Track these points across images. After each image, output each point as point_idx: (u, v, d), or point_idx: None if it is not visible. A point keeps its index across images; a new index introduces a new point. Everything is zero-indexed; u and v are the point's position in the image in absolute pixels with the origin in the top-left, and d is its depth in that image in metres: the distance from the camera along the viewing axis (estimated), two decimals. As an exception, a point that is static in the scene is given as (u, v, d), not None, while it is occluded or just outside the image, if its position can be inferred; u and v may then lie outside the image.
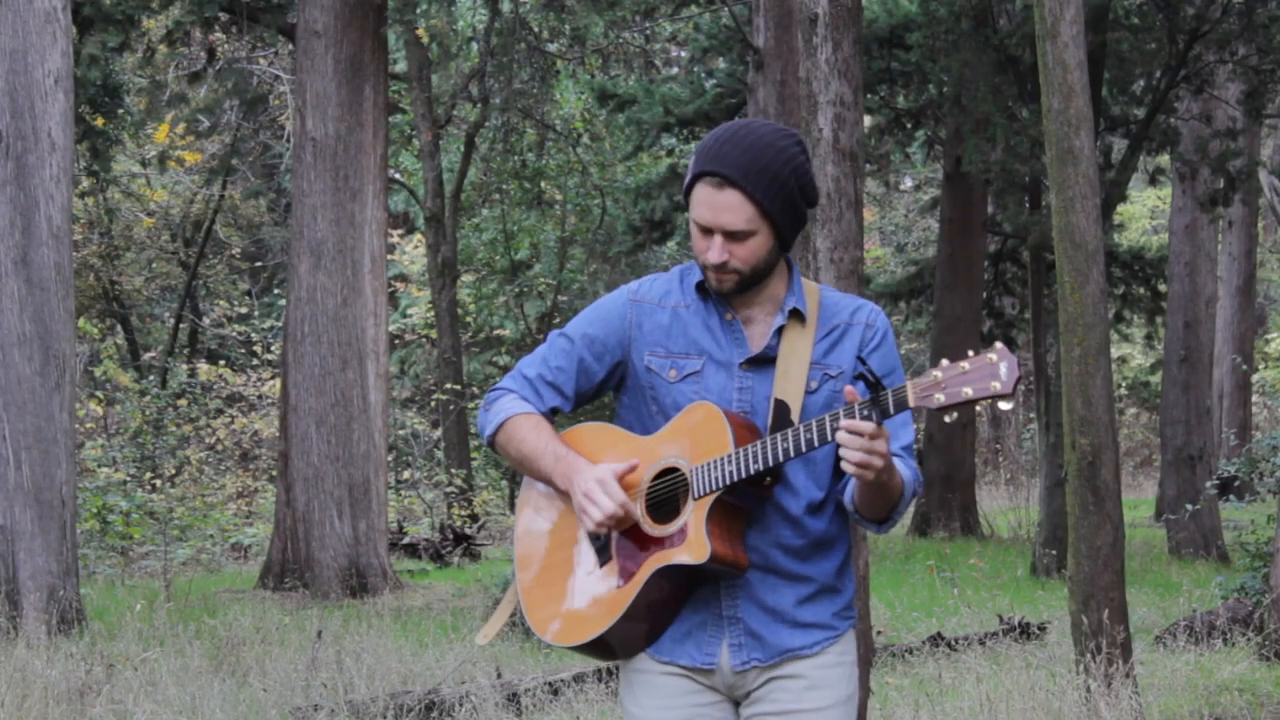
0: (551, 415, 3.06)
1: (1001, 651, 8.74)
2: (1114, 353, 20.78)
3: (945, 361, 2.66)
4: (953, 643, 8.97)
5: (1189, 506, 12.40)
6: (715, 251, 2.88)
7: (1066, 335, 6.72)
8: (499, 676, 7.70)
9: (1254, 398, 24.28)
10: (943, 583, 12.48)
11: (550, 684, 7.52)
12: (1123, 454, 29.98)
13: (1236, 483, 15.64)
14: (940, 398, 2.63)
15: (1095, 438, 6.65)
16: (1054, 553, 13.47)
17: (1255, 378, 25.11)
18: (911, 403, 2.66)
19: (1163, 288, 18.57)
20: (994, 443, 29.91)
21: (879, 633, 9.60)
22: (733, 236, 2.88)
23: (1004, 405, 2.61)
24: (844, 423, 2.69)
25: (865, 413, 2.68)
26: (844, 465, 2.70)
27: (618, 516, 2.85)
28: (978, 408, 2.80)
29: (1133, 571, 11.80)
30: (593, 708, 7.23)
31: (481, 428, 3.08)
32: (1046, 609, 10.94)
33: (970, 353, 2.65)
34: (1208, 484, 12.90)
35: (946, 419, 2.70)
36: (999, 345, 2.62)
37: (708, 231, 2.89)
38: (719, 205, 2.86)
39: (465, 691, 7.23)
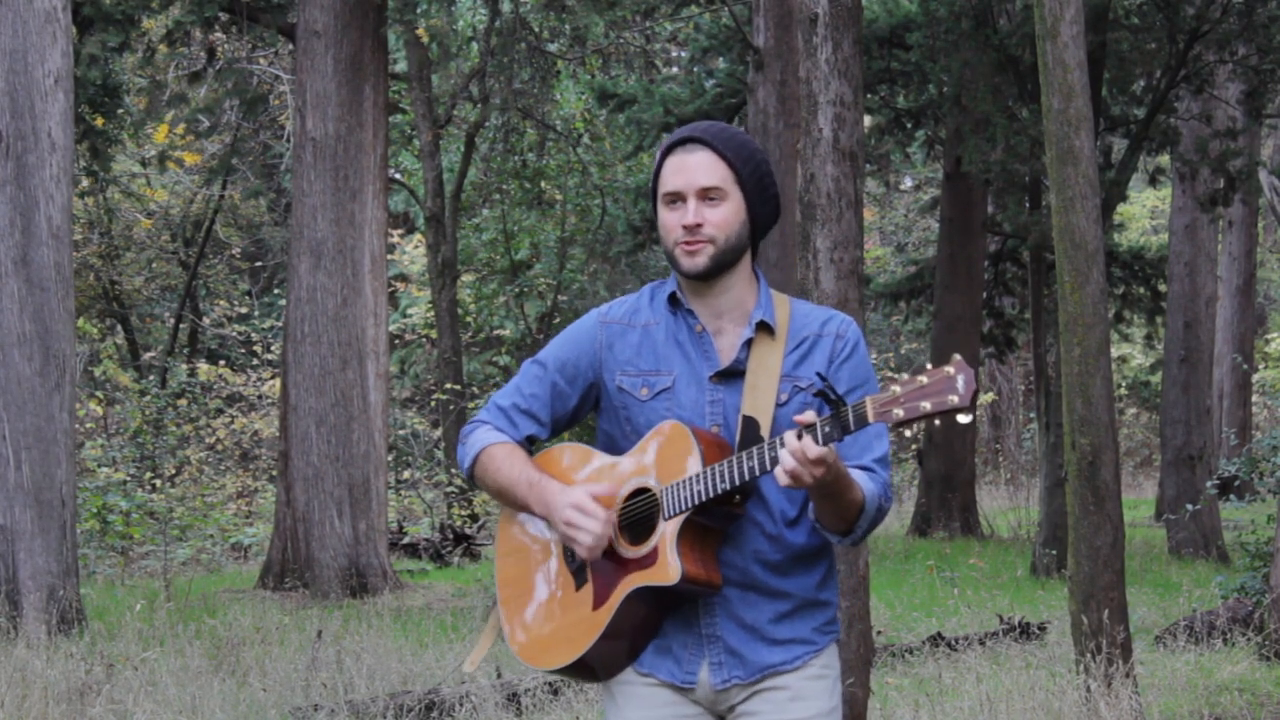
0: (529, 444, 3.04)
1: (1001, 651, 8.75)
2: (1114, 353, 20.77)
3: (905, 375, 2.65)
4: (953, 643, 8.97)
5: (1189, 506, 12.40)
6: (691, 213, 2.89)
7: (1066, 335, 6.72)
8: (499, 676, 7.70)
9: (1254, 398, 24.28)
10: (943, 583, 12.48)
11: (550, 684, 7.52)
12: (1123, 454, 29.98)
13: (1236, 483, 15.61)
14: (899, 413, 2.62)
15: (1095, 438, 6.65)
16: (1054, 553, 13.47)
17: (1255, 378, 25.10)
18: (871, 418, 2.64)
19: (1163, 288, 18.57)
20: (994, 443, 29.91)
21: (879, 633, 9.59)
22: (706, 197, 2.89)
23: (962, 419, 2.59)
24: (787, 436, 2.68)
25: (826, 429, 2.66)
26: (776, 473, 2.69)
27: (606, 536, 2.85)
28: (937, 421, 2.76)
29: (1133, 571, 11.80)
30: (592, 708, 7.23)
31: (460, 462, 3.07)
32: (1046, 609, 10.94)
33: (928, 365, 2.64)
34: (1208, 484, 12.89)
35: (907, 433, 2.70)
36: (956, 358, 2.61)
37: (678, 200, 2.91)
38: (690, 165, 2.91)
39: (465, 691, 7.23)
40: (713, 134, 2.93)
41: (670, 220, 2.92)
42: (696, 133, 2.93)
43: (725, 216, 2.90)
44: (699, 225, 2.89)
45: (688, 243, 2.89)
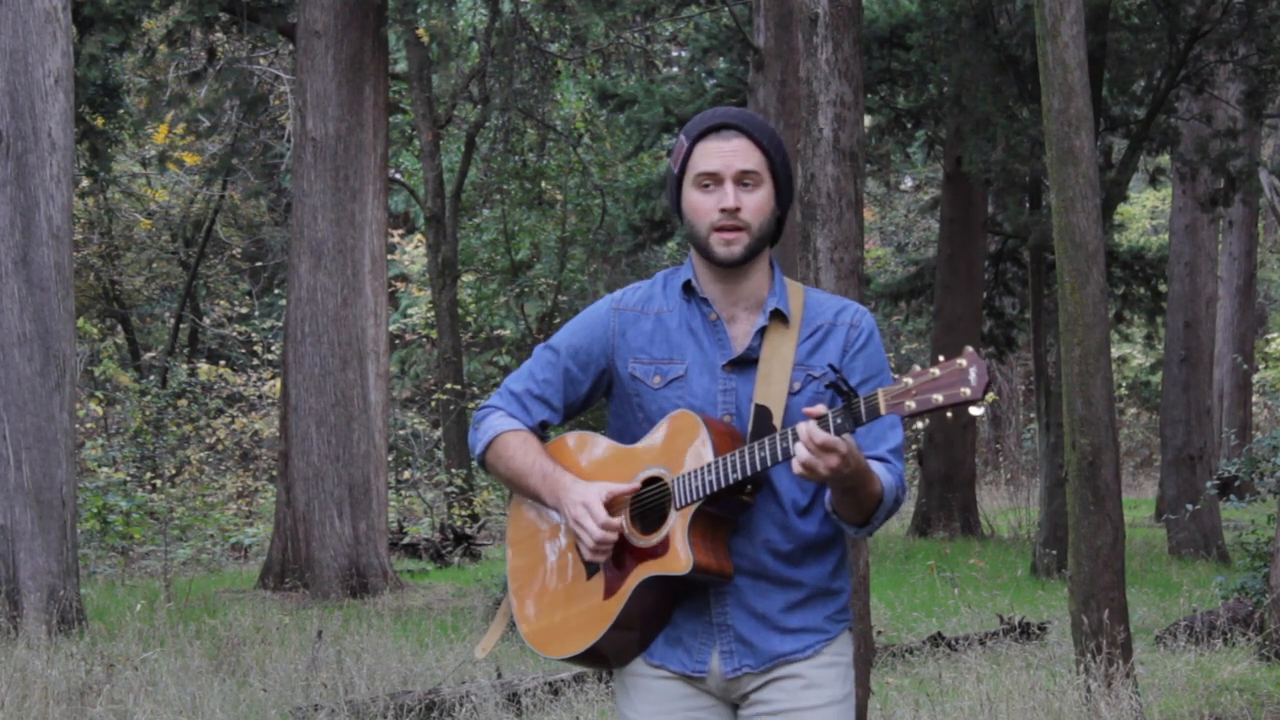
0: (541, 429, 3.05)
1: (1001, 651, 8.75)
2: (1114, 353, 20.78)
3: (917, 368, 2.66)
4: (953, 643, 8.97)
5: (1189, 506, 12.39)
6: (730, 196, 2.88)
7: (1066, 335, 6.72)
8: (499, 676, 7.70)
9: (1254, 398, 24.27)
10: (943, 583, 12.47)
11: (550, 684, 7.52)
12: (1123, 454, 29.98)
13: (1237, 483, 15.61)
14: (911, 405, 2.62)
15: (1095, 438, 6.65)
16: (1054, 553, 13.47)
17: (1255, 378, 25.10)
18: (882, 410, 2.64)
19: (1163, 288, 18.57)
20: (994, 443, 29.91)
21: (879, 633, 9.59)
22: (743, 182, 2.90)
23: (974, 411, 2.60)
24: (800, 427, 2.68)
25: (838, 420, 2.67)
26: (793, 465, 2.69)
27: (608, 540, 2.85)
28: (948, 414, 2.78)
29: (1133, 571, 11.80)
30: (593, 708, 7.23)
31: (472, 446, 3.07)
32: (1046, 609, 10.94)
33: (941, 358, 2.64)
34: (1208, 484, 12.89)
35: (919, 424, 2.71)
36: (969, 350, 2.61)
37: (714, 182, 2.90)
38: (729, 150, 2.90)
39: (465, 691, 7.24)
40: (744, 119, 2.93)
41: (705, 203, 2.91)
42: (730, 119, 2.92)
43: (760, 203, 2.91)
44: (737, 209, 2.88)
45: (724, 229, 2.89)
